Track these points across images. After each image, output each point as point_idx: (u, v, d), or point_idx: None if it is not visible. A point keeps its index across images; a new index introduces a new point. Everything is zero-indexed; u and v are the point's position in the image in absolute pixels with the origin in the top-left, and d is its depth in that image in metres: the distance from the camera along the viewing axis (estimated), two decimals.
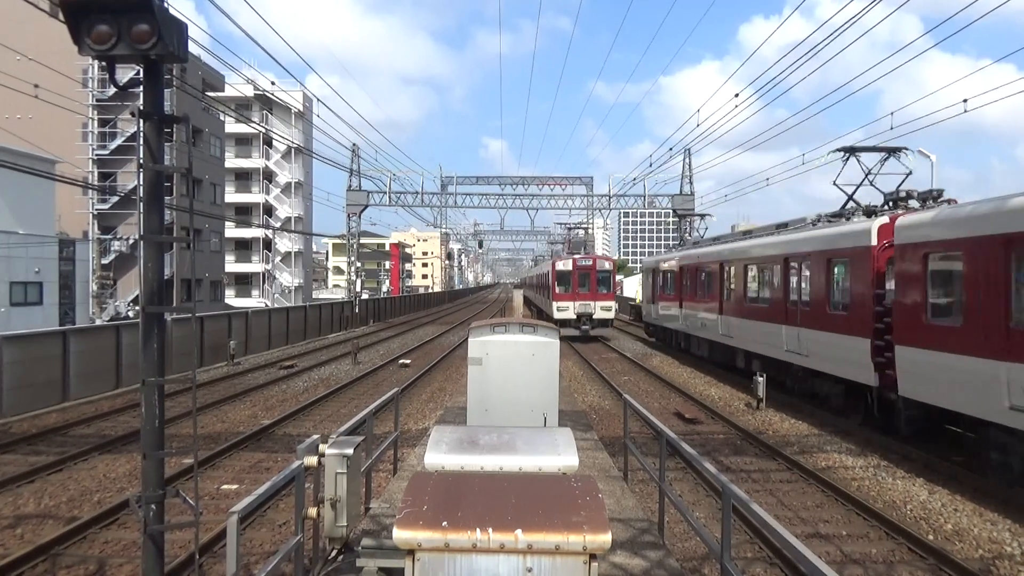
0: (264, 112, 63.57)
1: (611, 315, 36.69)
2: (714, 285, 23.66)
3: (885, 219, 14.35)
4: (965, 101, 17.21)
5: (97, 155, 46.96)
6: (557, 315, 35.50)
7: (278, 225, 70.18)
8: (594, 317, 35.87)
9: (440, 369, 25.56)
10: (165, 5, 4.27)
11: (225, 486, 11.32)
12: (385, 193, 46.16)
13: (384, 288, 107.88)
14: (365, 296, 53.11)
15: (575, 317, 35.54)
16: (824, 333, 16.03)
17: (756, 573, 8.05)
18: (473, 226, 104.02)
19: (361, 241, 50.86)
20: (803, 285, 17.51)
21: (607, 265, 37.70)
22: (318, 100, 31.51)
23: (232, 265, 65.61)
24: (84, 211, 47.37)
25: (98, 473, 12.04)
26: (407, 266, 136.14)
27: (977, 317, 10.90)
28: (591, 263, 36.92)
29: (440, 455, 4.49)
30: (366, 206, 46.84)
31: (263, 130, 58.16)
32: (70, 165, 38.04)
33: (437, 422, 12.22)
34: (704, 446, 13.79)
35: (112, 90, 45.09)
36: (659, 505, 7.80)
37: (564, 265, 36.80)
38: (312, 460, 5.83)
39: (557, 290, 36.27)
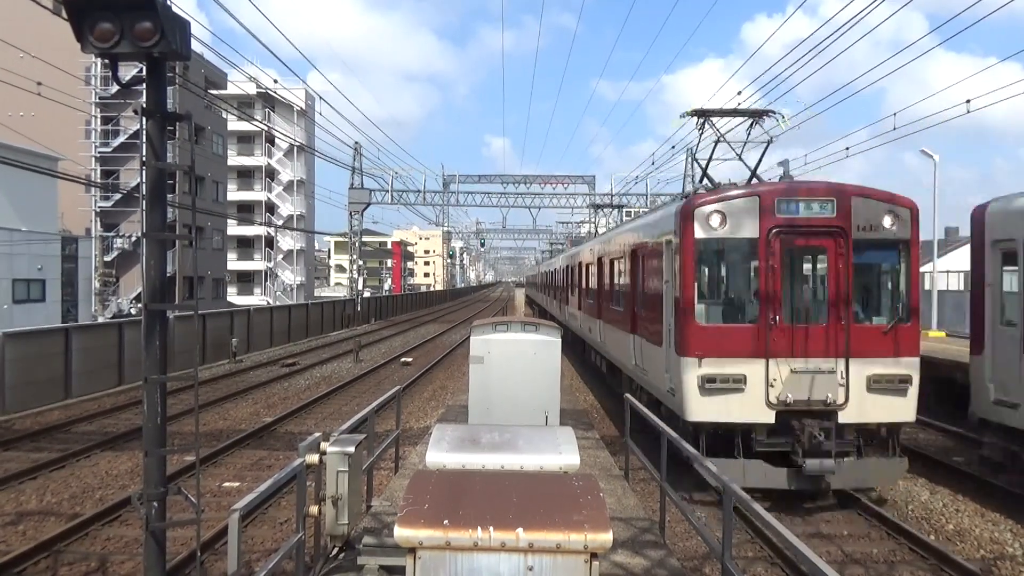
0: (266, 110, 63.57)
1: (907, 409, 10.06)
2: None
3: None
4: (968, 102, 17.15)
5: (100, 152, 47.00)
6: (694, 412, 10.07)
7: (280, 223, 70.19)
8: (843, 420, 9.85)
9: (442, 367, 25.56)
10: (168, 3, 4.27)
11: (227, 484, 11.33)
12: (387, 191, 46.16)
13: (386, 286, 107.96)
14: (367, 294, 53.12)
15: (771, 421, 9.92)
16: None
17: (757, 573, 8.05)
18: (475, 224, 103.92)
19: (363, 239, 50.85)
20: None
21: (890, 223, 10.23)
22: (320, 98, 31.51)
23: (234, 263, 65.62)
24: (87, 208, 47.39)
25: (100, 470, 12.06)
26: (409, 264, 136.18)
27: None
28: (834, 209, 10.13)
29: (441, 453, 4.49)
30: (368, 204, 46.85)
31: (265, 128, 58.16)
32: (73, 162, 38.04)
33: (438, 420, 12.23)
34: None
35: (115, 88, 45.04)
36: (660, 504, 7.80)
37: (729, 219, 10.29)
38: (313, 458, 5.83)
39: (696, 314, 10.39)
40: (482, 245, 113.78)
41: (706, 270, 11.34)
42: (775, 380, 9.86)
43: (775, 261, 10.04)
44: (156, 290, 4.53)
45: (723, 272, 11.72)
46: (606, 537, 3.31)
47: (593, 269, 20.28)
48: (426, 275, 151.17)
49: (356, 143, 46.09)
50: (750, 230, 10.17)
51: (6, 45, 22.90)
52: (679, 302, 10.48)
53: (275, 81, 37.14)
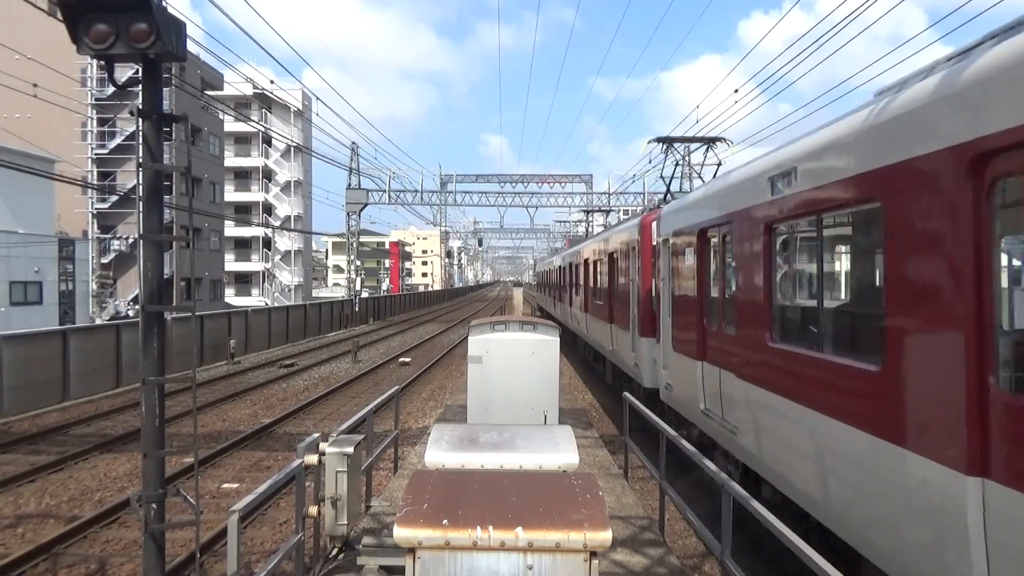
0: (263, 111, 63.51)
1: None
2: None
3: None
4: None
5: (96, 154, 46.88)
6: None
7: (278, 224, 70.12)
8: None
9: (440, 367, 25.54)
10: (163, 4, 4.26)
11: (226, 485, 11.32)
12: (384, 191, 46.13)
13: (384, 286, 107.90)
14: (365, 294, 53.10)
15: None
16: None
17: (758, 571, 8.05)
18: (473, 224, 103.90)
19: (361, 240, 50.83)
20: None
21: None
22: (316, 98, 31.50)
23: (232, 264, 65.56)
24: (83, 210, 47.30)
25: (99, 472, 12.05)
26: (407, 264, 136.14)
27: None
28: None
29: (440, 453, 4.49)
30: (365, 204, 46.80)
31: (262, 129, 58.09)
32: (69, 164, 37.99)
33: (437, 420, 12.22)
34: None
35: (111, 89, 44.95)
36: (659, 503, 7.80)
37: None
38: (312, 459, 5.83)
39: None
40: (480, 245, 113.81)
41: None
42: None
43: None
44: (153, 292, 4.52)
45: None
46: (605, 536, 3.31)
47: None
48: (424, 275, 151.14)
49: (353, 143, 46.09)
50: None
51: (2, 47, 22.85)
52: None
53: (271, 81, 37.17)
